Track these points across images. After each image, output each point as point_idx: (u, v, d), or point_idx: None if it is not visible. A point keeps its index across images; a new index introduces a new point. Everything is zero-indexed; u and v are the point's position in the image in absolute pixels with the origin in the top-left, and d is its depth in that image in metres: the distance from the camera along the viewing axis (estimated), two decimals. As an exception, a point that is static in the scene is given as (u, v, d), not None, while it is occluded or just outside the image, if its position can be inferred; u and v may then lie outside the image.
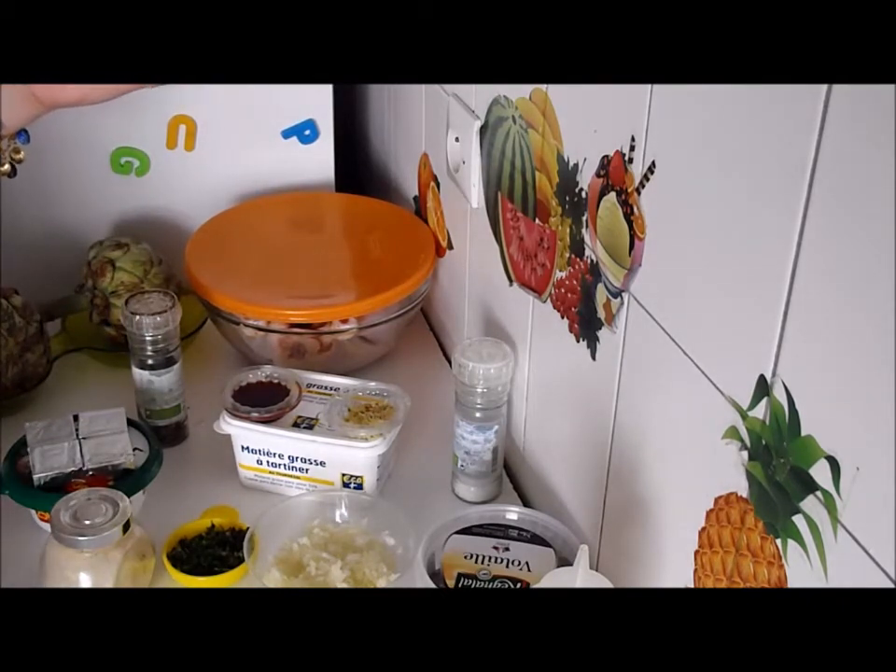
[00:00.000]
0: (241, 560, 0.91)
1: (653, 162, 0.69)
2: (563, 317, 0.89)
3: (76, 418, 0.98)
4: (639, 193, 0.72)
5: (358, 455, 0.98)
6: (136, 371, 1.05)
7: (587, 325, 0.84)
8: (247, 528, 0.92)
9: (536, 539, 0.89)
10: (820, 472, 0.55)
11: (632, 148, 0.72)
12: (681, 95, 0.65)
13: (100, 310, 1.17)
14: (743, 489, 0.63)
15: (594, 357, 0.84)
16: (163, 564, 0.91)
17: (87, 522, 0.83)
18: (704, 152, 0.63)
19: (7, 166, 0.91)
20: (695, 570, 0.70)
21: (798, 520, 0.58)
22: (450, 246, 1.19)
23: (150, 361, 1.04)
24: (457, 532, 0.89)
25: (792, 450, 0.57)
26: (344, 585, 0.88)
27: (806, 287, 0.55)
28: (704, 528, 0.68)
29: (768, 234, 0.57)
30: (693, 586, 0.71)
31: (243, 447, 1.01)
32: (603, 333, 0.81)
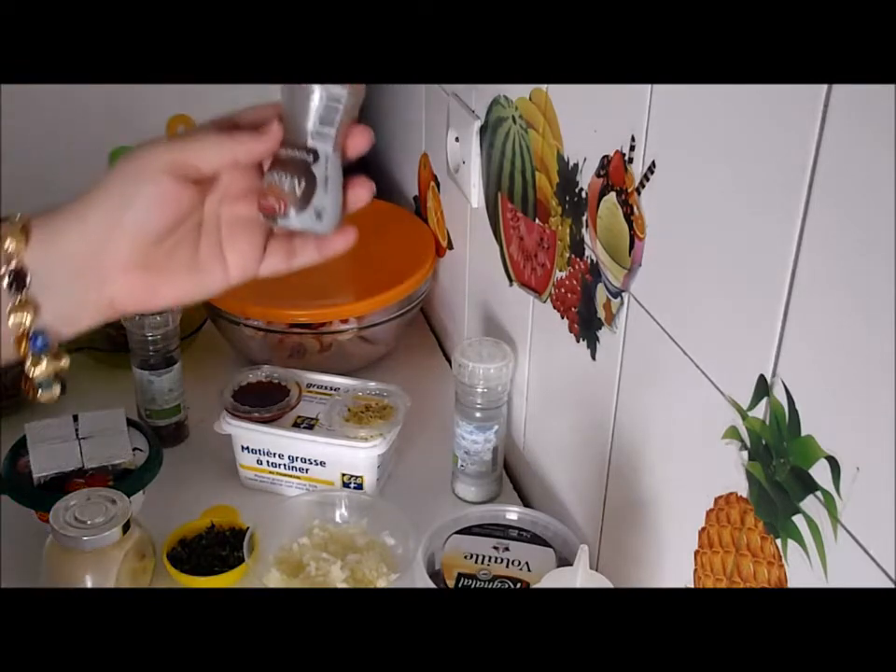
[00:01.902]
0: (241, 560, 0.90)
1: (653, 162, 0.69)
2: (563, 317, 0.89)
3: (76, 418, 0.98)
4: (639, 193, 0.72)
5: (358, 454, 0.98)
6: (136, 371, 1.05)
7: (587, 325, 0.84)
8: (247, 528, 0.92)
9: (536, 539, 0.89)
10: (820, 472, 0.55)
11: (632, 148, 0.72)
12: (681, 95, 0.65)
13: (100, 310, 1.16)
14: (743, 489, 0.63)
15: (594, 357, 0.84)
16: (163, 564, 0.91)
17: (87, 522, 0.83)
18: (704, 152, 0.63)
19: (56, 388, 0.69)
20: (695, 570, 0.70)
21: (798, 520, 0.58)
22: (450, 246, 1.19)
23: (150, 361, 1.04)
24: (457, 532, 0.89)
25: (792, 450, 0.57)
26: (344, 585, 0.88)
27: (806, 287, 0.55)
28: (704, 528, 0.68)
29: (768, 234, 0.57)
30: (693, 586, 0.71)
31: (243, 447, 1.01)
32: (603, 333, 0.81)
